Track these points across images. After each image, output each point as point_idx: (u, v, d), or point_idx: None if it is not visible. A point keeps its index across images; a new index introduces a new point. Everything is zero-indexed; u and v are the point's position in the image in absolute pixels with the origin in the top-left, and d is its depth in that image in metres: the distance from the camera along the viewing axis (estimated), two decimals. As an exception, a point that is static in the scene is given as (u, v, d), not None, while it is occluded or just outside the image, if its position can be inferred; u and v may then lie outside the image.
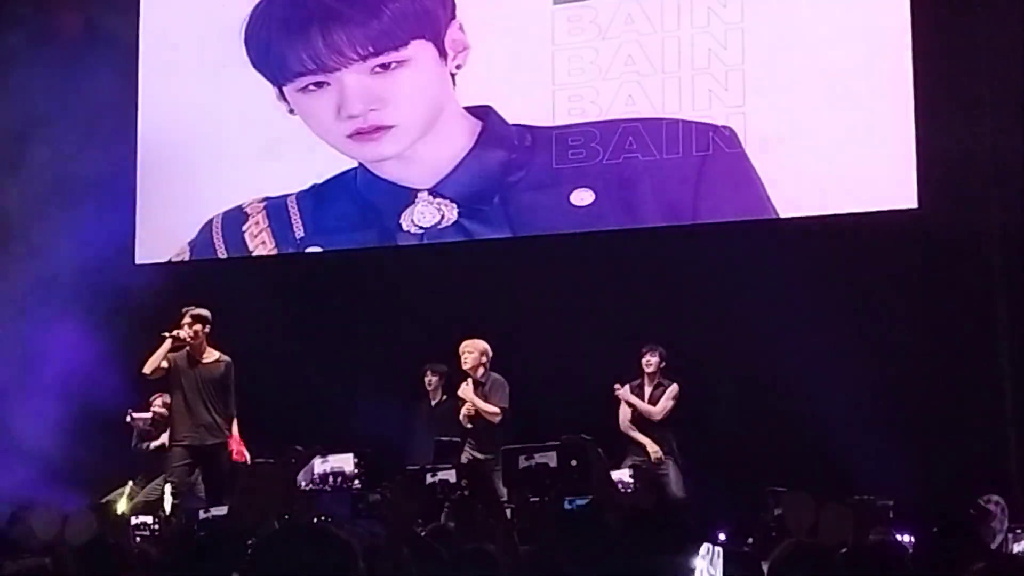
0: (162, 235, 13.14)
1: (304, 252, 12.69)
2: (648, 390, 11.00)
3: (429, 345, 11.61)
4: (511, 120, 12.19)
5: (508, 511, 8.01)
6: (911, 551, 5.73)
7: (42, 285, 12.60)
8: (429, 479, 9.78)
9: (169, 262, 13.01)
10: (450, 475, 9.77)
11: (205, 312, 10.87)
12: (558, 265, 11.79)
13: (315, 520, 7.68)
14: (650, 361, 10.97)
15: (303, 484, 10.11)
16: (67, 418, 12.02)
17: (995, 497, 9.07)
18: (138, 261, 13.14)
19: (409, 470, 10.23)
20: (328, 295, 12.46)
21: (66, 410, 12.06)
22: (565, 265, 11.77)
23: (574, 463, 9.37)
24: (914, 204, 10.87)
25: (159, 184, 13.16)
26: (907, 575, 4.92)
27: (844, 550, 4.98)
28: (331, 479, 10.03)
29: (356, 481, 10.04)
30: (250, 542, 3.78)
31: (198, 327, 10.79)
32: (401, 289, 12.20)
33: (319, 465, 10.12)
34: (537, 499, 8.83)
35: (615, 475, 9.91)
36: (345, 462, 10.11)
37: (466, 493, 9.52)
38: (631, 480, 9.87)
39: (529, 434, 10.25)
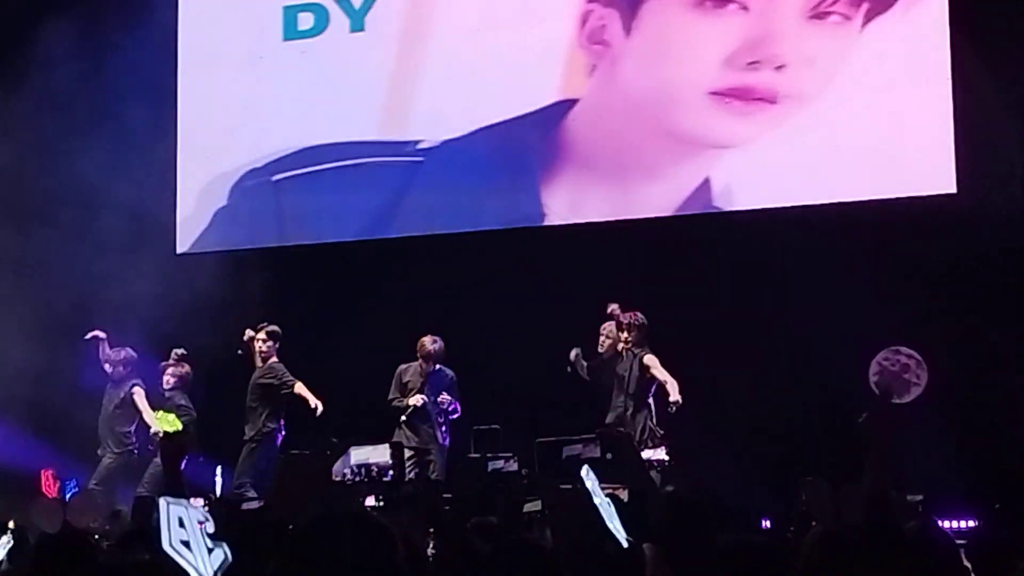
0: (202, 224, 13.19)
1: (349, 242, 12.69)
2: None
3: (464, 338, 11.63)
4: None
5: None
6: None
7: (84, 275, 12.68)
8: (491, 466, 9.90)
9: (209, 252, 13.04)
10: (512, 465, 9.90)
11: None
12: (592, 254, 11.79)
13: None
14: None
15: (339, 475, 10.17)
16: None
17: (904, 351, 8.99)
18: (179, 251, 13.21)
19: (470, 458, 10.30)
20: (361, 285, 12.46)
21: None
22: (601, 253, 11.77)
23: (609, 456, 9.46)
24: (952, 189, 10.80)
25: (199, 173, 13.22)
26: (953, 563, 4.86)
27: (881, 539, 4.92)
28: (366, 470, 10.08)
29: (390, 472, 10.10)
30: (290, 528, 3.79)
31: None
32: (442, 281, 12.19)
33: (355, 456, 10.18)
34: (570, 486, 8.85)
35: (650, 454, 9.95)
36: (380, 454, 10.16)
37: (526, 482, 9.61)
38: (667, 459, 9.88)
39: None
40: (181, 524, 3.91)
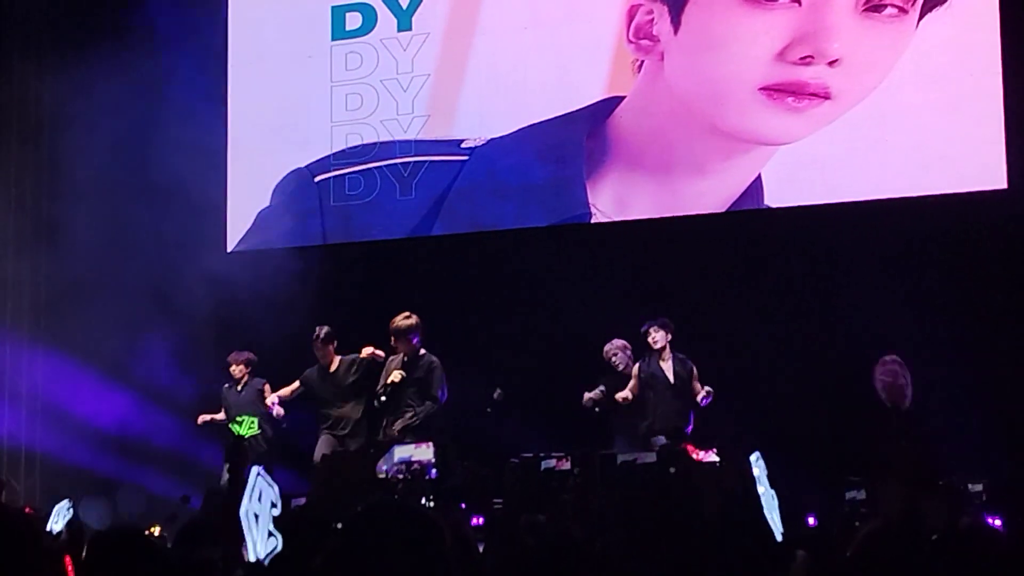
0: (248, 223, 13.25)
1: (394, 240, 12.71)
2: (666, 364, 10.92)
3: (511, 336, 11.61)
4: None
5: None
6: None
7: (137, 277, 12.78)
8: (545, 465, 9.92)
9: (260, 250, 13.08)
10: (565, 464, 9.90)
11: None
12: (640, 252, 11.76)
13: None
14: (656, 338, 10.88)
15: (382, 472, 10.20)
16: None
17: (889, 359, 8.91)
18: (229, 249, 13.27)
19: (523, 457, 10.30)
20: (406, 284, 12.48)
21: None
22: (649, 251, 11.74)
23: (672, 469, 9.48)
24: (1003, 184, 10.70)
25: (249, 171, 13.29)
26: (1001, 561, 4.80)
27: (935, 536, 4.88)
28: (410, 467, 10.08)
29: (434, 470, 10.10)
30: (337, 525, 3.80)
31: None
32: (488, 279, 12.19)
33: (398, 453, 10.20)
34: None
35: (702, 456, 9.96)
36: (424, 451, 10.17)
37: (578, 480, 9.59)
38: (717, 459, 9.89)
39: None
40: (260, 499, 4.08)
